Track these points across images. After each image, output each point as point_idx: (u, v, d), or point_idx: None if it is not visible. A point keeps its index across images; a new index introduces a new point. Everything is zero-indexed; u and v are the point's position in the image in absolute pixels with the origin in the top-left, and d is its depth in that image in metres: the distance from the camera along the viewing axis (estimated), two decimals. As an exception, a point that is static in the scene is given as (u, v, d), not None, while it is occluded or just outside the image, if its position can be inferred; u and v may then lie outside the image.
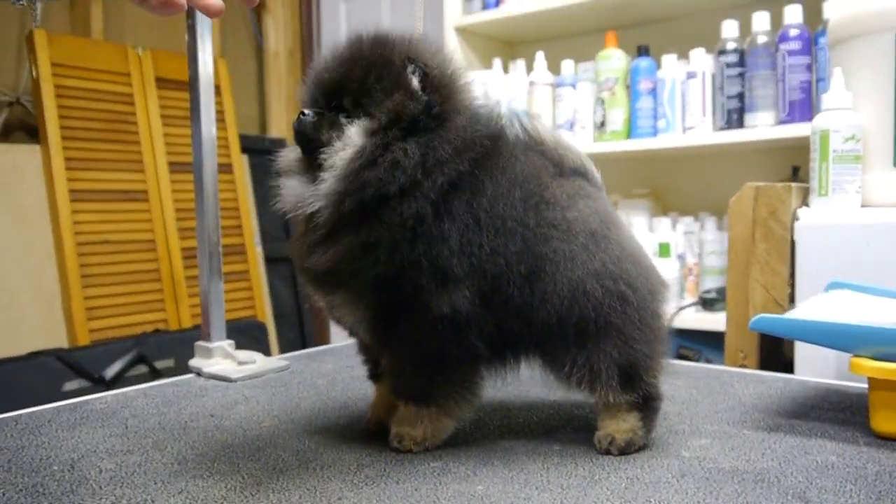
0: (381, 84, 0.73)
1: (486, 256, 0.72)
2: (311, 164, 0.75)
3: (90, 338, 2.60)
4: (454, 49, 2.56)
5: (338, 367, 1.18)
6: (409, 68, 0.74)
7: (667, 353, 0.78)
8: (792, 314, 0.85)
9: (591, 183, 0.80)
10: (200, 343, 1.18)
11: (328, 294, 0.77)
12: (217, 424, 0.88)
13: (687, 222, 2.29)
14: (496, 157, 0.75)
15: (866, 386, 0.81)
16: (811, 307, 0.88)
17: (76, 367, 2.42)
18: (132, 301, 2.74)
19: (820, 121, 1.17)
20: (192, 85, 1.17)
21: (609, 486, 0.67)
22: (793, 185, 1.14)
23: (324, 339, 3.52)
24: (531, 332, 0.74)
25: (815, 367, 1.08)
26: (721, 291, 2.12)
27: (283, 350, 3.26)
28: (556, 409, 0.91)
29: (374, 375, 0.86)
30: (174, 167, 2.91)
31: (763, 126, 2.03)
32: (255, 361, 1.16)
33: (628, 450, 0.75)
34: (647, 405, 0.76)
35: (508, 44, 2.78)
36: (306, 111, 0.75)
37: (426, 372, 0.76)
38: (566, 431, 0.83)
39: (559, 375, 0.76)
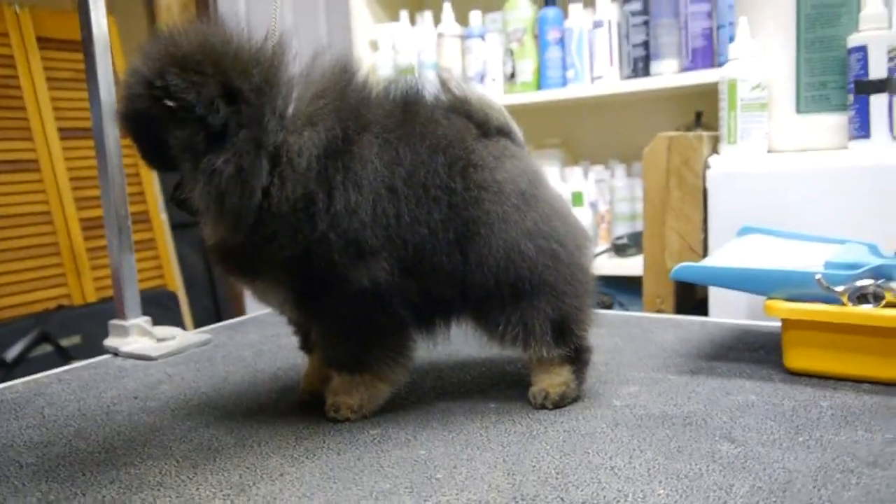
0: (153, 135, 0.69)
1: (405, 226, 0.71)
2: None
3: (-13, 318, 2.45)
4: (358, 3, 2.49)
5: (263, 338, 1.15)
6: (153, 91, 0.67)
7: (594, 306, 0.79)
8: (710, 262, 0.88)
9: (514, 142, 0.80)
10: (115, 322, 1.13)
11: (248, 282, 0.77)
12: (142, 406, 0.85)
13: (598, 171, 2.34)
14: (411, 124, 0.74)
15: (778, 325, 0.85)
16: (727, 254, 0.91)
17: (-27, 350, 2.28)
18: (31, 277, 2.59)
19: (727, 70, 1.21)
20: (85, 47, 1.09)
21: (547, 441, 0.69)
22: (704, 133, 1.17)
23: (238, 305, 3.44)
24: (464, 295, 0.74)
25: (727, 309, 1.13)
26: (632, 237, 2.19)
27: (197, 320, 3.17)
28: (488, 366, 0.93)
29: (305, 346, 0.84)
30: (66, 133, 2.74)
31: (668, 73, 2.07)
32: (175, 337, 1.12)
33: (562, 403, 0.77)
34: (578, 358, 0.78)
35: (415, -5, 2.73)
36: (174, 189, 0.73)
37: (356, 341, 0.75)
38: (500, 389, 0.84)
39: (493, 334, 0.76)
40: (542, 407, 0.76)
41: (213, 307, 3.31)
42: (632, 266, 2.03)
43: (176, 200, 0.73)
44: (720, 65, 2.00)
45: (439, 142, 0.74)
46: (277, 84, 0.70)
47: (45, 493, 0.63)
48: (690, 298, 1.26)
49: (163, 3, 3.29)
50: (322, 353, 0.79)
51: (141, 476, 0.66)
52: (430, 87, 0.79)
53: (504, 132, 0.80)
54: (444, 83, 0.78)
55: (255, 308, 3.36)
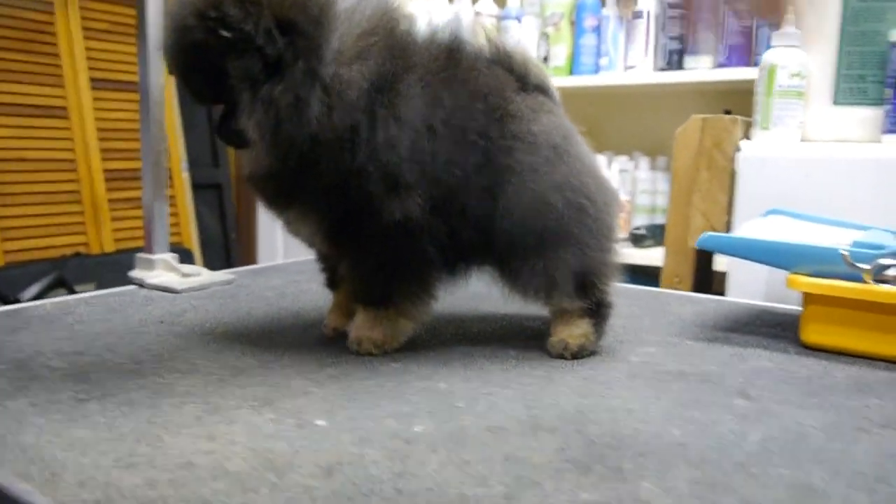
0: (209, 65, 0.69)
1: (440, 166, 0.73)
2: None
3: (5, 259, 2.48)
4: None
5: (285, 282, 1.17)
6: (208, 23, 0.67)
7: (617, 263, 0.81)
8: (735, 233, 0.89)
9: (551, 99, 0.81)
10: (142, 255, 1.15)
11: (282, 211, 0.78)
12: (168, 330, 0.87)
13: (622, 161, 2.35)
14: (453, 69, 0.75)
15: (796, 307, 0.86)
16: (752, 228, 0.92)
17: (-9, 288, 2.31)
18: (51, 223, 2.63)
19: (768, 56, 1.21)
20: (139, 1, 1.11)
21: (565, 384, 0.70)
22: (739, 117, 1.18)
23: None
24: (490, 241, 0.75)
25: (745, 291, 1.14)
26: (650, 228, 2.20)
27: (211, 279, 3.20)
28: (507, 320, 0.94)
29: (332, 283, 0.86)
30: (97, 84, 2.76)
31: (702, 68, 2.08)
32: (201, 274, 1.14)
33: (581, 354, 0.78)
34: (598, 312, 0.79)
35: (452, -27, 2.73)
36: (218, 121, 0.74)
37: (383, 275, 0.77)
38: (520, 339, 0.86)
39: (515, 283, 0.78)
40: (561, 356, 0.78)
41: (226, 267, 3.34)
42: (647, 257, 2.04)
43: (225, 131, 0.73)
44: (756, 63, 2.00)
45: (479, 89, 0.75)
46: (330, 18, 0.72)
47: (76, 392, 0.65)
48: (708, 282, 1.27)
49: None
50: (349, 287, 0.80)
51: (169, 385, 0.67)
52: (473, 36, 0.81)
53: (542, 89, 0.81)
54: (488, 35, 0.80)
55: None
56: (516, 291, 0.79)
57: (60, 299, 1.01)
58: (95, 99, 2.75)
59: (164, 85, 1.16)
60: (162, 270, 1.14)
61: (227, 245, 3.36)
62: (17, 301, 2.34)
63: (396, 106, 0.72)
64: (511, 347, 0.82)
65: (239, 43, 0.68)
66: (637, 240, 2.21)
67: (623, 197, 2.31)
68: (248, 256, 3.46)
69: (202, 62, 0.70)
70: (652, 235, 2.18)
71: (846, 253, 0.78)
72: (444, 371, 0.73)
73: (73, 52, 2.69)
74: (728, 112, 2.25)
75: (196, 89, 0.74)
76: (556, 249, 0.75)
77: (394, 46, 0.73)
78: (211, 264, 3.23)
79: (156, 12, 1.11)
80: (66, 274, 2.50)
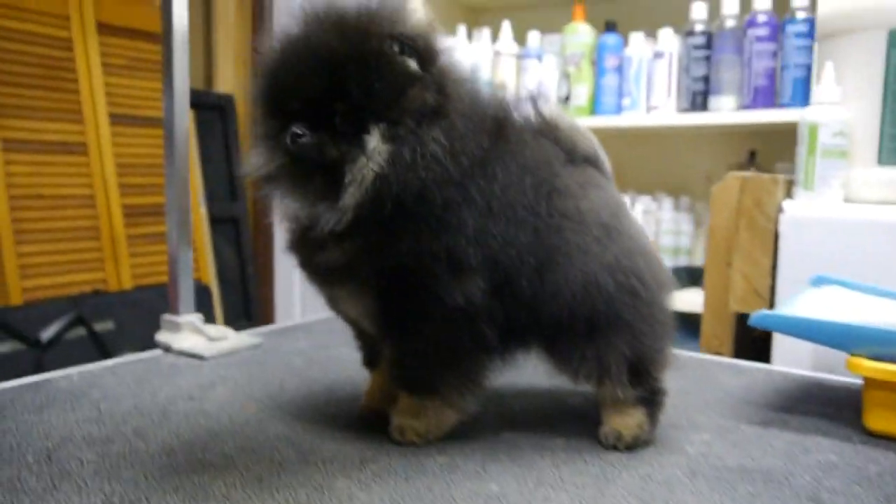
0: (382, 81, 0.65)
1: (498, 246, 0.69)
2: (314, 177, 0.68)
3: (24, 297, 2.46)
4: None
5: (312, 346, 1.14)
6: (398, 49, 0.66)
7: (672, 349, 0.77)
8: (790, 311, 0.85)
9: (601, 171, 0.78)
10: (168, 317, 1.12)
11: (334, 288, 0.73)
12: (198, 408, 0.84)
13: (645, 201, 2.32)
14: (504, 142, 0.72)
15: (849, 380, 0.82)
16: (805, 304, 0.89)
17: (9, 328, 2.29)
18: (69, 259, 2.61)
19: (809, 114, 1.18)
20: (165, 37, 1.10)
21: (624, 486, 0.66)
22: (780, 177, 1.15)
23: (268, 304, 3.45)
24: (540, 324, 0.72)
25: (791, 357, 1.10)
26: (676, 271, 2.15)
27: (227, 315, 3.17)
28: (549, 396, 0.90)
29: (370, 362, 0.82)
30: (116, 119, 2.76)
31: (726, 110, 2.04)
32: (227, 338, 1.11)
33: (635, 446, 0.74)
34: (653, 400, 0.75)
35: (473, 10, 2.72)
36: (299, 131, 0.66)
37: (431, 363, 0.73)
38: (566, 422, 0.82)
39: (566, 368, 0.74)
40: (614, 448, 0.74)
41: (243, 304, 3.32)
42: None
43: (311, 150, 0.66)
44: (781, 105, 1.97)
45: (527, 163, 0.72)
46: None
47: (108, 494, 0.62)
48: (748, 342, 1.22)
49: (219, -1, 3.32)
50: (392, 372, 0.77)
51: (205, 486, 0.64)
52: (519, 106, 0.78)
53: (591, 160, 0.78)
54: (535, 104, 0.77)
55: (285, 309, 3.34)
56: (566, 375, 0.75)
57: (86, 368, 0.98)
58: (114, 135, 2.75)
59: (188, 126, 1.14)
60: (188, 333, 1.11)
61: (244, 280, 3.33)
62: (38, 341, 2.32)
63: (464, 185, 0.68)
64: (558, 434, 0.78)
65: (414, 75, 0.66)
66: (662, 283, 2.17)
67: (647, 238, 2.27)
68: (265, 291, 3.43)
69: (355, 76, 0.65)
70: (678, 277, 2.14)
71: (913, 339, 0.74)
72: (494, 468, 0.69)
73: (91, 87, 2.69)
74: (753, 153, 2.23)
75: (343, 93, 0.66)
76: (607, 335, 0.72)
77: (467, 123, 0.69)
78: (228, 299, 3.24)
79: (182, 48, 1.10)
80: (84, 312, 2.48)
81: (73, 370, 0.97)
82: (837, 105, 1.17)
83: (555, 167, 0.74)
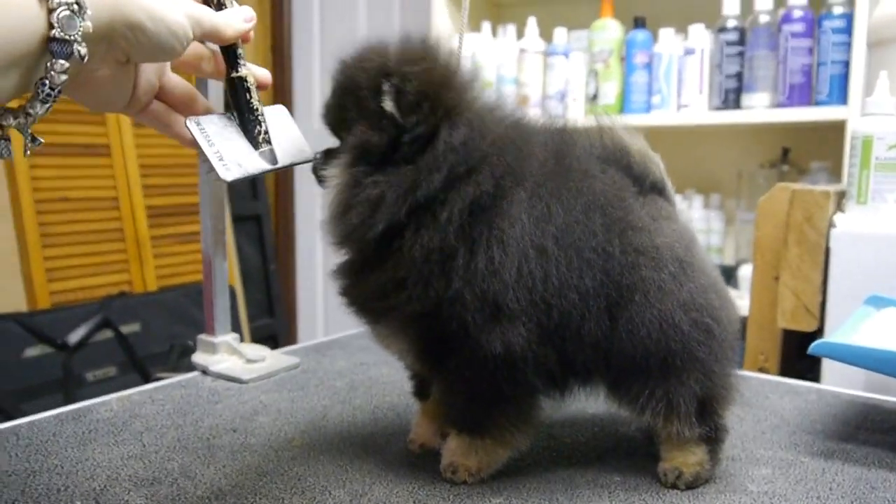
0: (349, 113, 0.67)
1: (552, 290, 0.66)
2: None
3: (51, 301, 2.47)
4: (440, 9, 2.45)
5: (351, 365, 1.12)
6: (385, 87, 0.64)
7: (739, 387, 0.74)
8: (852, 339, 0.82)
9: (667, 200, 0.75)
10: (204, 337, 1.10)
11: (371, 323, 0.72)
12: (243, 442, 0.82)
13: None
14: (566, 177, 0.69)
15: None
16: (866, 330, 0.85)
17: (38, 332, 2.30)
18: (94, 262, 2.62)
19: (862, 126, 1.14)
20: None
21: (688, 532, 0.64)
22: (830, 189, 1.11)
23: (291, 301, 3.45)
24: (608, 363, 0.69)
25: (841, 376, 1.07)
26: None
27: (251, 314, 3.17)
28: (599, 426, 0.88)
29: (420, 393, 0.80)
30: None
31: (760, 107, 2.00)
32: (265, 359, 1.09)
33: (696, 484, 0.72)
34: (716, 437, 0.73)
35: (498, 6, 2.68)
36: (318, 154, 0.71)
37: (479, 404, 0.71)
38: (619, 457, 0.79)
39: (631, 405, 0.71)
40: (674, 486, 0.72)
41: (267, 301, 3.31)
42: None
43: (316, 167, 0.71)
44: (817, 103, 1.93)
45: (596, 199, 0.68)
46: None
47: (161, 543, 0.61)
48: (795, 357, 1.19)
49: None
50: (443, 409, 0.75)
51: (258, 533, 0.62)
52: (585, 131, 0.75)
53: (658, 188, 0.75)
54: (602, 130, 0.74)
55: (308, 305, 3.32)
56: (629, 410, 0.72)
57: (126, 394, 0.97)
58: (136, 135, 2.74)
59: None
60: (225, 354, 1.09)
61: (266, 277, 3.33)
62: (65, 344, 2.33)
63: (499, 227, 0.65)
64: (614, 470, 0.76)
65: (386, 118, 0.65)
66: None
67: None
68: (288, 288, 3.43)
69: (353, 104, 0.67)
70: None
71: None
72: (552, 511, 0.67)
73: (114, 89, 2.69)
74: (787, 150, 2.18)
75: (329, 119, 0.71)
76: (679, 374, 0.69)
77: (501, 160, 0.67)
78: (252, 296, 3.23)
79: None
80: (110, 314, 2.48)
81: (112, 397, 0.96)
82: (893, 116, 1.13)
83: (627, 201, 0.70)
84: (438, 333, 0.67)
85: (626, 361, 0.68)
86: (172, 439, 0.83)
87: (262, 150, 0.66)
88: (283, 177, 3.39)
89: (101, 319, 2.44)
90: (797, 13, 1.92)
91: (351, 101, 0.67)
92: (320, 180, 0.70)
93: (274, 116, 0.69)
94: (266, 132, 0.67)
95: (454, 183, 0.65)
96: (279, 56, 3.32)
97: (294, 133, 0.70)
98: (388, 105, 0.64)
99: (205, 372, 1.07)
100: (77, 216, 2.57)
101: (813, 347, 0.80)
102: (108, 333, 2.47)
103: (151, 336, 2.62)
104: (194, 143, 0.62)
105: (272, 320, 3.32)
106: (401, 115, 0.64)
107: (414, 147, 0.65)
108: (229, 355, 1.09)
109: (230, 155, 0.64)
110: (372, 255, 0.67)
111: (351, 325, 1.18)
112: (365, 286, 0.69)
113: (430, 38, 0.69)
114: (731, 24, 2.04)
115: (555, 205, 0.67)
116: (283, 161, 0.67)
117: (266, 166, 0.66)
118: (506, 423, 0.71)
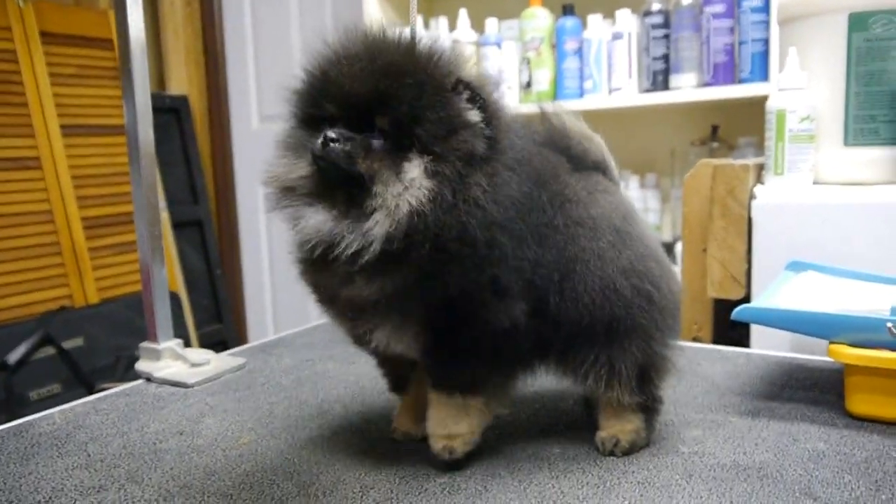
0: (437, 114, 0.63)
1: (531, 268, 0.68)
2: (338, 193, 0.65)
3: (-11, 320, 2.40)
4: (372, 5, 2.46)
5: (297, 362, 1.13)
6: (464, 96, 0.65)
7: (677, 358, 0.77)
8: (770, 303, 0.87)
9: (608, 177, 0.78)
10: (146, 345, 1.10)
11: (370, 324, 0.69)
12: (190, 444, 0.82)
13: (612, 182, 2.33)
14: (521, 162, 0.70)
15: (827, 360, 0.84)
16: (786, 294, 0.90)
17: (-26, 353, 2.24)
18: (32, 277, 2.54)
19: (776, 101, 1.19)
20: (121, 45, 1.05)
21: (623, 494, 0.67)
22: (749, 163, 1.16)
23: (239, 305, 3.41)
24: (559, 333, 0.71)
25: (769, 340, 1.12)
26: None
27: (198, 320, 3.13)
28: (540, 402, 0.91)
29: (397, 387, 0.82)
30: (67, 130, 2.69)
31: (687, 87, 2.06)
32: (210, 361, 1.09)
33: (632, 451, 0.75)
34: (652, 407, 0.76)
35: (428, -1, 2.70)
36: (333, 135, 0.63)
37: (477, 367, 0.71)
38: (559, 430, 0.82)
39: (575, 372, 0.74)
40: (611, 454, 0.75)
41: (214, 307, 3.27)
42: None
43: (341, 157, 0.63)
44: (741, 80, 2.00)
45: (540, 176, 0.71)
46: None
47: (109, 548, 0.61)
48: (726, 326, 1.25)
49: (166, -1, 3.23)
50: (434, 376, 0.73)
51: (207, 530, 0.63)
52: (526, 117, 0.77)
53: (600, 167, 0.77)
54: (543, 113, 0.76)
55: (257, 309, 3.30)
56: (572, 379, 0.75)
57: (69, 406, 0.96)
58: (67, 146, 2.67)
59: (152, 135, 1.09)
60: (169, 360, 1.09)
61: (212, 282, 3.29)
62: (5, 363, 2.27)
63: (506, 225, 0.66)
64: (554, 442, 0.79)
65: (474, 117, 0.65)
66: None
67: (617, 219, 2.29)
68: (235, 292, 3.39)
69: (409, 93, 0.63)
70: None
71: (892, 325, 0.76)
72: (495, 486, 0.70)
73: (40, 99, 2.62)
74: (715, 128, 2.26)
75: (391, 109, 0.64)
76: (622, 340, 0.72)
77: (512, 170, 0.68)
78: (198, 303, 3.19)
79: (140, 55, 1.06)
80: (52, 330, 2.43)
81: (54, 411, 0.95)
82: (803, 90, 1.18)
83: (562, 177, 0.73)
84: (451, 320, 0.67)
85: (573, 328, 0.71)
86: (118, 447, 0.83)
87: None
88: (222, 181, 3.35)
89: (42, 336, 2.38)
90: (716, -6, 1.98)
91: (433, 100, 0.64)
92: (350, 171, 0.64)
93: None
94: None
95: (508, 184, 0.67)
96: (212, 57, 3.28)
97: None
98: (474, 116, 0.65)
99: (149, 379, 1.06)
100: (11, 231, 2.50)
101: (735, 313, 0.85)
102: (50, 350, 2.41)
103: (96, 350, 2.57)
104: None
105: (220, 325, 3.28)
106: (486, 125, 0.65)
107: (490, 151, 0.66)
108: (173, 361, 1.09)
109: None
110: (400, 254, 0.64)
111: (299, 324, 1.19)
112: (383, 282, 0.66)
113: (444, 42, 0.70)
114: (656, 7, 2.09)
115: (518, 184, 0.68)
116: None
117: None
118: (496, 385, 0.73)
